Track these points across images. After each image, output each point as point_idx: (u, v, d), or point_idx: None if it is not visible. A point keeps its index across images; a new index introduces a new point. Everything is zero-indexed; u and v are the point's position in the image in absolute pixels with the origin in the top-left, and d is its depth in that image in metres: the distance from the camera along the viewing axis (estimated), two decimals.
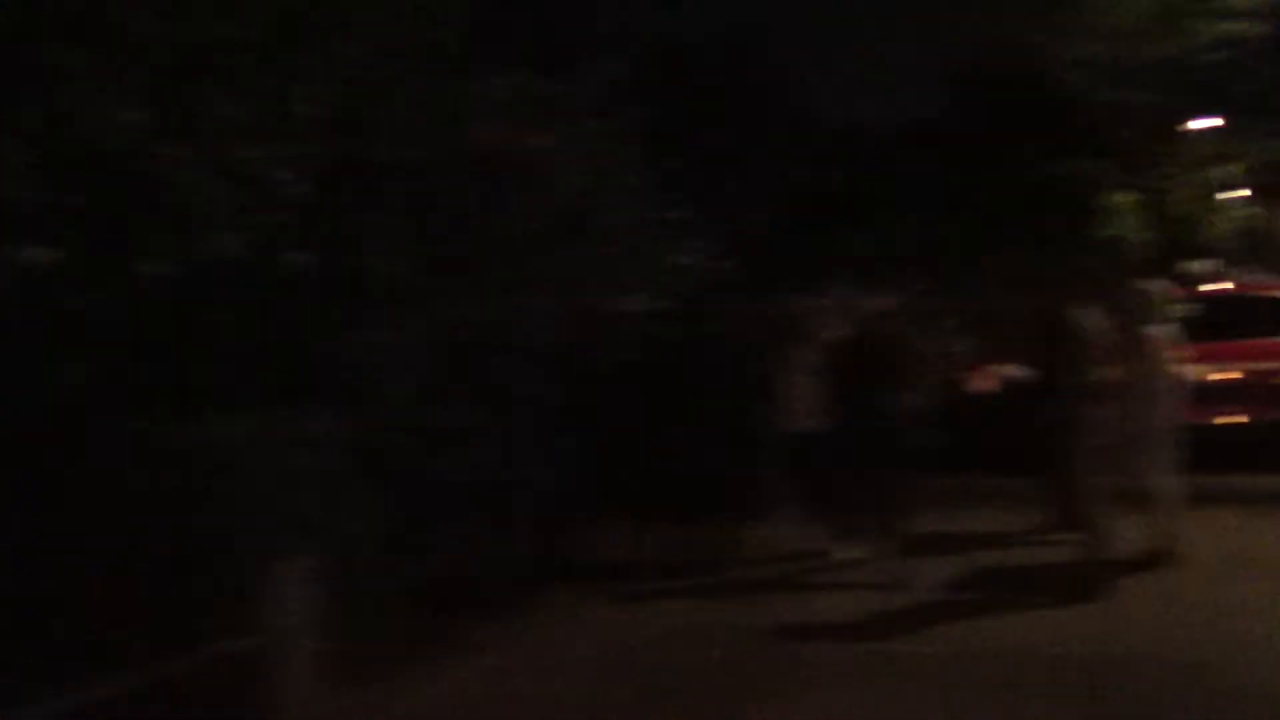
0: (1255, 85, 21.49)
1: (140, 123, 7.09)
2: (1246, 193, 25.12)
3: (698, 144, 11.38)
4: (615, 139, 9.83)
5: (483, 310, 8.60)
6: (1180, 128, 23.20)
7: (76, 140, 6.89)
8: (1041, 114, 21.40)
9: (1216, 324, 14.25)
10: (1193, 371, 11.28)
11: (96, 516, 7.46)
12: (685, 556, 11.36)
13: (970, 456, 13.97)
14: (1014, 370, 14.34)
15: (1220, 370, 14.57)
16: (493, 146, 8.52)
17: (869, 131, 24.24)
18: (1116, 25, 21.06)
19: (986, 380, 15.58)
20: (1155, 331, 10.69)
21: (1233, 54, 21.08)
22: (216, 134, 7.31)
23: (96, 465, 7.35)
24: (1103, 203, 21.87)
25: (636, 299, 10.29)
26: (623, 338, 10.28)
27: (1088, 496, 10.17)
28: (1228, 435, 14.36)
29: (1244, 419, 14.84)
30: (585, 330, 10.00)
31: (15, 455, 7.34)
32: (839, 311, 11.29)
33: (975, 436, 14.29)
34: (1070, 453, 10.34)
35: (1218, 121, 23.12)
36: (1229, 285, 17.39)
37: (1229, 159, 23.15)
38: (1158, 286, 11.09)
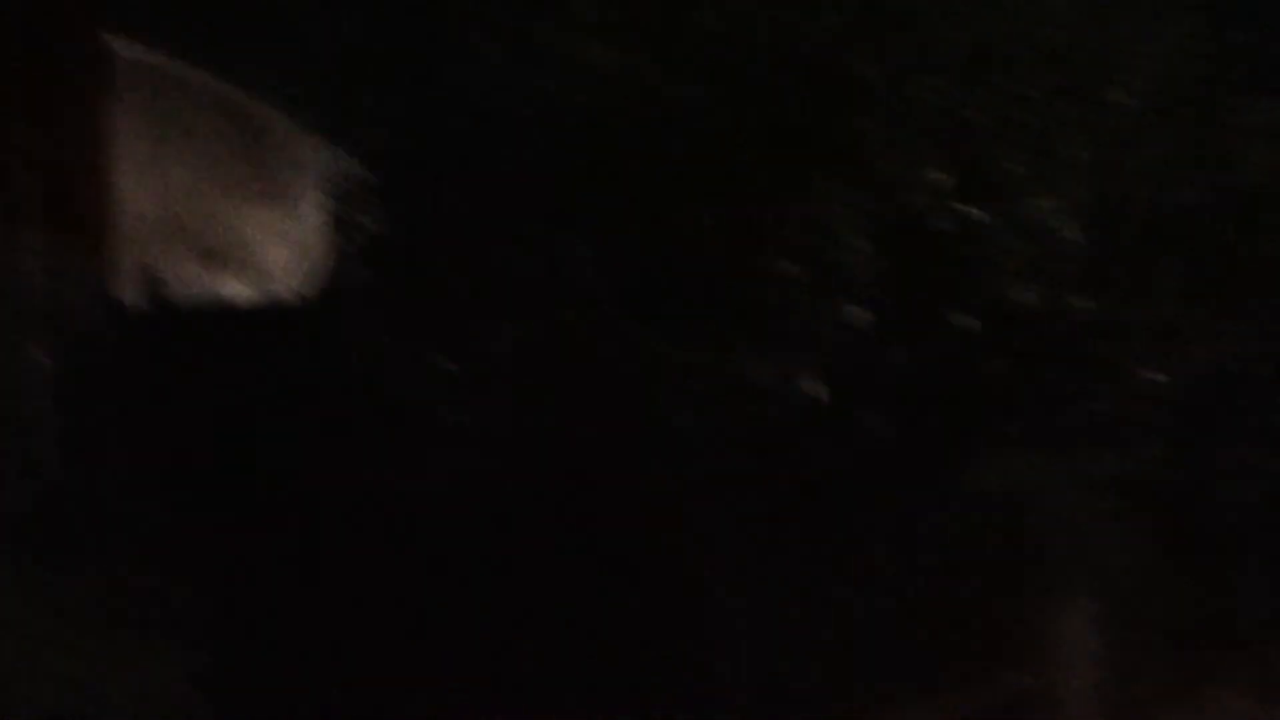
0: None
1: (941, 183, 7.48)
2: None
3: None
4: None
5: (1249, 344, 8.43)
6: None
7: (888, 204, 7.36)
8: None
9: None
10: None
11: (888, 555, 7.94)
12: None
13: None
14: None
15: None
16: (1261, 176, 8.31)
17: None
18: None
19: None
20: None
21: None
22: (1005, 188, 7.57)
23: (895, 507, 7.80)
24: None
25: None
26: None
27: None
28: None
29: None
30: None
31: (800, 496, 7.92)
32: None
33: None
34: None
35: None
36: None
37: None
38: None
